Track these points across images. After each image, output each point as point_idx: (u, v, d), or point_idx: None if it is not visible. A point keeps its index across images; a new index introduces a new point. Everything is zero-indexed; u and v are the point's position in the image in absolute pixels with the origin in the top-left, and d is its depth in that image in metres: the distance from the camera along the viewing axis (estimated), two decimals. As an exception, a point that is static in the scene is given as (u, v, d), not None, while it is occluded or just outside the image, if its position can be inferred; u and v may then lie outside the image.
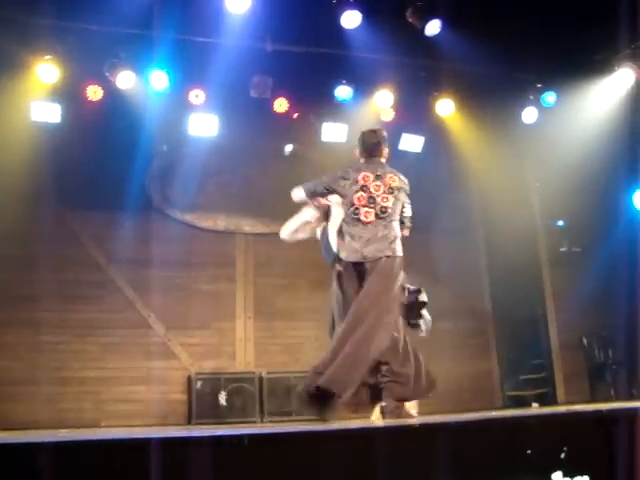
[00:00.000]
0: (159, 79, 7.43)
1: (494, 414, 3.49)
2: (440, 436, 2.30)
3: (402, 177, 4.75)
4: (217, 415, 7.52)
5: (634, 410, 2.83)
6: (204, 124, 8.03)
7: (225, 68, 7.39)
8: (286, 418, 7.57)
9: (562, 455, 2.43)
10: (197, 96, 7.83)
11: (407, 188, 4.74)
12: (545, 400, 8.39)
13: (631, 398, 7.93)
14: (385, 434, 2.41)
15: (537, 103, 8.47)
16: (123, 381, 7.62)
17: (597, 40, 7.72)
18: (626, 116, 8.30)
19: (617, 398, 8.22)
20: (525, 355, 8.82)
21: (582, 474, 2.48)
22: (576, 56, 7.90)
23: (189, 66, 7.60)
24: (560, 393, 8.55)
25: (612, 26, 7.30)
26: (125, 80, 7.34)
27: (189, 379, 7.75)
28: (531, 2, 7.13)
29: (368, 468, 2.15)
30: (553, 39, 7.36)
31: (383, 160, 4.82)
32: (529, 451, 2.35)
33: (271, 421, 7.57)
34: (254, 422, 7.52)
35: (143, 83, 7.48)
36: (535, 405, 8.04)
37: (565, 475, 2.45)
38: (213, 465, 2.00)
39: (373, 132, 4.95)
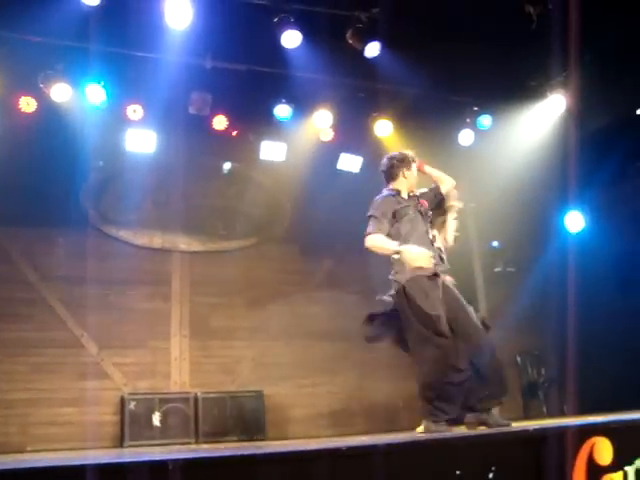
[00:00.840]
0: (96, 93, 7.29)
1: (424, 435, 3.49)
2: (368, 459, 2.28)
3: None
4: (151, 437, 7.32)
5: (561, 429, 2.88)
6: (142, 140, 7.89)
7: (164, 84, 7.32)
8: (222, 439, 7.45)
9: (490, 475, 2.45)
10: (135, 111, 7.72)
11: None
12: (480, 418, 8.48)
13: (562, 415, 8.11)
14: (319, 456, 2.38)
15: (473, 126, 8.68)
16: (53, 402, 7.35)
17: (531, 67, 7.99)
18: (558, 140, 8.57)
19: (549, 415, 8.40)
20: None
21: (510, 494, 2.50)
22: (511, 81, 8.15)
23: (127, 81, 7.49)
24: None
25: (545, 54, 7.55)
26: (60, 93, 7.18)
27: (122, 400, 7.53)
28: (469, 28, 7.31)
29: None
30: (490, 64, 7.56)
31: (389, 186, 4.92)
32: (458, 472, 2.36)
33: (206, 442, 7.43)
34: (189, 443, 7.37)
35: (79, 96, 7.32)
36: (470, 423, 8.12)
37: (494, 495, 2.47)
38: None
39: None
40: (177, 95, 7.61)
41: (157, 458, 2.05)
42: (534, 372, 8.71)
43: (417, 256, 4.32)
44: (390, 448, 2.38)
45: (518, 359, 8.82)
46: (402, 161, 4.98)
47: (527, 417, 8.47)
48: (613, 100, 8.37)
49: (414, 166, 4.99)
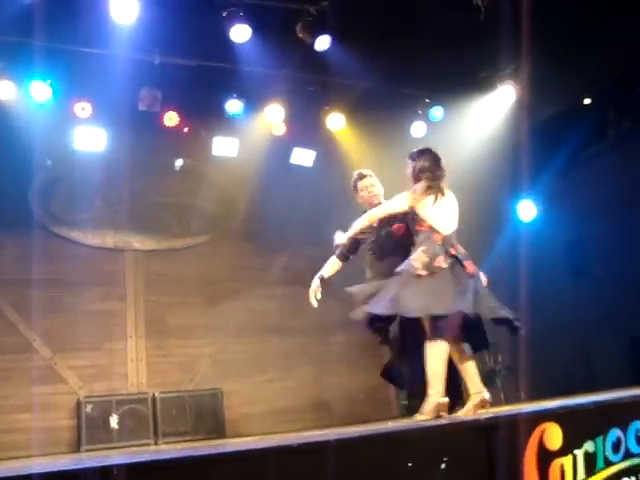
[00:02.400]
0: (41, 90, 7.10)
1: (375, 428, 3.50)
2: (321, 454, 2.27)
3: None
4: (108, 440, 7.20)
5: (512, 416, 2.91)
6: (91, 138, 7.75)
7: (112, 80, 7.17)
8: (181, 439, 7.38)
9: (442, 466, 2.46)
10: (83, 109, 7.56)
11: None
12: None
13: (519, 401, 8.24)
14: (270, 454, 2.36)
15: (425, 118, 8.73)
16: (6, 410, 7.16)
17: (481, 58, 8.05)
18: (509, 130, 8.69)
19: (507, 402, 8.52)
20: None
21: (463, 483, 2.52)
22: (462, 73, 8.19)
23: (74, 77, 7.31)
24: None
25: (495, 45, 7.62)
26: (4, 91, 6.99)
27: (78, 403, 7.39)
28: (419, 20, 7.33)
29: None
30: (440, 56, 7.59)
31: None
32: (410, 464, 2.36)
33: (166, 442, 7.35)
34: (148, 445, 7.27)
35: (24, 94, 7.13)
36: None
37: (446, 485, 2.49)
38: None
39: None
40: (126, 92, 7.45)
41: (100, 464, 2.00)
42: (491, 360, 8.81)
43: None
44: (341, 442, 2.37)
45: (475, 347, 8.91)
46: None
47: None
48: (562, 90, 8.51)
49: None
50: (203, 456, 2.19)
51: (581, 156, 8.64)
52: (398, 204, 4.51)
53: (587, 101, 8.67)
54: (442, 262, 4.17)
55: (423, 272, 4.11)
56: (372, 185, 5.07)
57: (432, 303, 4.05)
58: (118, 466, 1.78)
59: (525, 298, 7.85)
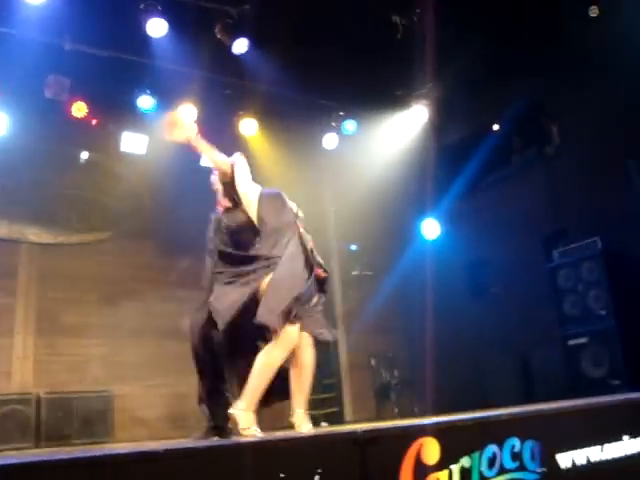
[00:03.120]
0: (-62, 68, 6.73)
1: (248, 438, 3.44)
2: (192, 461, 2.19)
3: None
4: (-15, 442, 6.81)
5: (390, 430, 2.92)
6: (-8, 122, 7.38)
7: (18, 62, 6.88)
8: (65, 442, 7.06)
9: (316, 477, 2.43)
10: (-15, 91, 7.19)
11: None
12: (334, 419, 8.61)
13: (412, 416, 8.37)
14: (137, 460, 2.25)
15: (338, 130, 8.81)
16: None
17: (398, 76, 8.21)
18: (419, 149, 8.89)
19: (401, 415, 8.65)
20: (315, 375, 8.99)
21: (335, 496, 2.50)
22: (378, 89, 8.34)
23: (-24, 57, 6.96)
24: (348, 412, 8.83)
25: (411, 65, 7.79)
26: None
27: (-48, 403, 6.97)
28: (338, 33, 7.40)
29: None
30: (357, 70, 7.69)
31: None
32: (282, 475, 2.32)
33: (48, 446, 7.01)
34: (28, 448, 6.91)
35: None
36: (324, 424, 8.22)
37: (318, 498, 2.45)
38: None
39: None
40: (32, 76, 7.17)
41: None
42: (387, 374, 8.93)
43: None
44: (211, 450, 2.30)
45: (372, 361, 9.02)
46: None
47: (379, 418, 8.68)
48: (472, 114, 8.77)
49: None
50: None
51: (485, 180, 8.90)
52: None
53: (495, 127, 8.95)
54: None
55: None
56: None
57: None
58: None
59: (427, 314, 8.03)
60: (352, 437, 2.59)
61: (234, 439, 3.65)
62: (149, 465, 2.11)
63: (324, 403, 8.84)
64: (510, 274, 8.17)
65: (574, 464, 3.42)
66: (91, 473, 2.02)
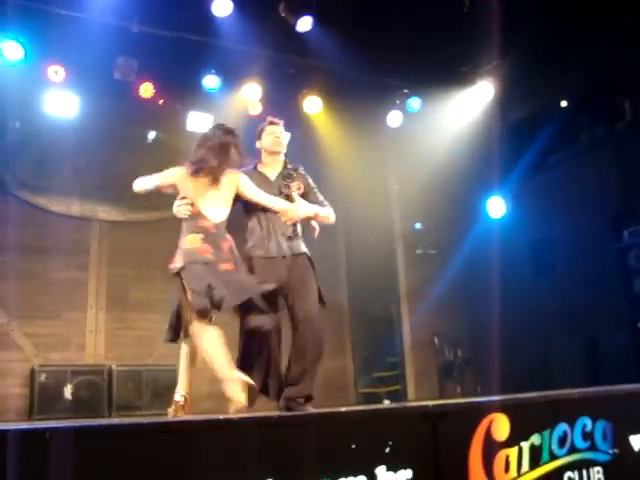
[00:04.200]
0: (13, 50, 6.92)
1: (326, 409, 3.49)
2: (260, 431, 2.25)
3: None
4: (62, 410, 7.09)
5: (460, 405, 2.93)
6: (63, 103, 7.57)
7: (88, 46, 7.03)
8: (135, 413, 7.31)
9: (387, 450, 2.46)
10: (56, 72, 7.37)
11: None
12: (397, 397, 8.64)
13: (476, 395, 8.33)
14: (199, 429, 2.33)
15: (402, 108, 8.71)
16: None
17: (463, 52, 8.06)
18: (484, 127, 8.73)
19: (463, 394, 8.61)
20: (379, 353, 9.06)
21: (406, 468, 2.52)
22: (443, 66, 8.21)
23: (49, 40, 7.11)
24: (411, 390, 8.83)
25: (477, 41, 7.64)
26: (-27, 48, 6.81)
27: (32, 372, 7.28)
28: (403, 10, 7.30)
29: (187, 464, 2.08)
30: (422, 47, 7.59)
31: None
32: (353, 446, 2.36)
33: (120, 416, 7.27)
34: (101, 417, 7.19)
35: (-5, 52, 6.96)
36: (387, 402, 8.25)
37: (389, 469, 2.48)
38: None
39: None
40: (102, 58, 7.32)
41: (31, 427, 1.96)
42: (450, 353, 8.89)
43: None
44: (284, 421, 2.36)
45: (435, 340, 8.98)
46: None
47: (442, 397, 8.65)
48: (539, 91, 8.55)
49: None
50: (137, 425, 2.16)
51: (552, 158, 8.70)
52: None
53: (564, 104, 8.71)
54: None
55: None
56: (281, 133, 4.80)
57: None
58: (52, 429, 1.74)
59: (491, 294, 7.94)
60: (423, 411, 2.61)
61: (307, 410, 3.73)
62: (216, 432, 2.16)
63: (387, 380, 8.88)
64: (577, 254, 7.99)
65: (648, 446, 3.36)
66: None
